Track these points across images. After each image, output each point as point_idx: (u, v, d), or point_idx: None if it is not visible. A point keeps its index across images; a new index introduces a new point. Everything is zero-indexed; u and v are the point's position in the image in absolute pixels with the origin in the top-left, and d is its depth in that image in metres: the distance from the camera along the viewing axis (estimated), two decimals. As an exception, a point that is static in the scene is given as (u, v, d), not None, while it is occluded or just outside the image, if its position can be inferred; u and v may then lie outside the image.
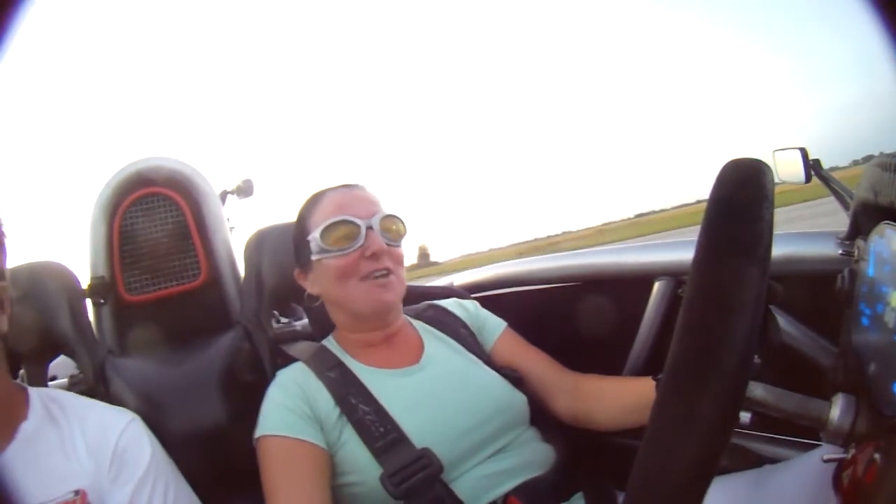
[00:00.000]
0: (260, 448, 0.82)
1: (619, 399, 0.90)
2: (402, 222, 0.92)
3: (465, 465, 0.79)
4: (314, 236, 0.89)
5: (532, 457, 0.85)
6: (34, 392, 0.77)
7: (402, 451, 0.77)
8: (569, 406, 0.94)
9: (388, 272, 0.88)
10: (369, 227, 0.88)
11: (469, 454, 0.80)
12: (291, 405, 0.82)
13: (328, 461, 0.80)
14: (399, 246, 0.91)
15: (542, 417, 0.92)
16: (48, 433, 0.73)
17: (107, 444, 0.75)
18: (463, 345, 0.95)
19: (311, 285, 0.93)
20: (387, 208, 0.92)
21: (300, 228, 0.94)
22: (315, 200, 0.94)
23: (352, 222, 0.87)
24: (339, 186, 0.95)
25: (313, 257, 0.90)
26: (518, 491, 0.79)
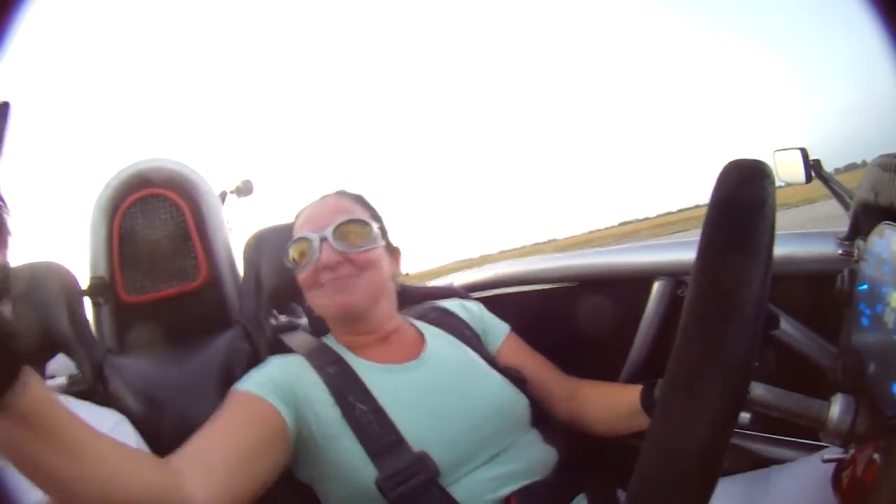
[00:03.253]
0: (224, 399, 0.80)
1: (612, 406, 0.90)
2: (364, 224, 0.90)
3: (464, 469, 0.79)
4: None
5: (533, 460, 0.84)
6: None
7: (399, 454, 0.76)
8: (566, 411, 0.95)
9: (348, 278, 0.87)
10: (323, 239, 0.87)
11: (468, 457, 0.80)
12: (279, 378, 0.82)
13: (280, 429, 0.78)
14: (363, 249, 0.88)
15: (544, 419, 0.92)
16: None
17: None
18: (467, 344, 0.95)
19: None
20: (348, 214, 0.90)
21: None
22: (298, 216, 0.96)
23: (305, 238, 0.89)
24: (319, 198, 0.95)
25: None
26: (518, 495, 0.78)
